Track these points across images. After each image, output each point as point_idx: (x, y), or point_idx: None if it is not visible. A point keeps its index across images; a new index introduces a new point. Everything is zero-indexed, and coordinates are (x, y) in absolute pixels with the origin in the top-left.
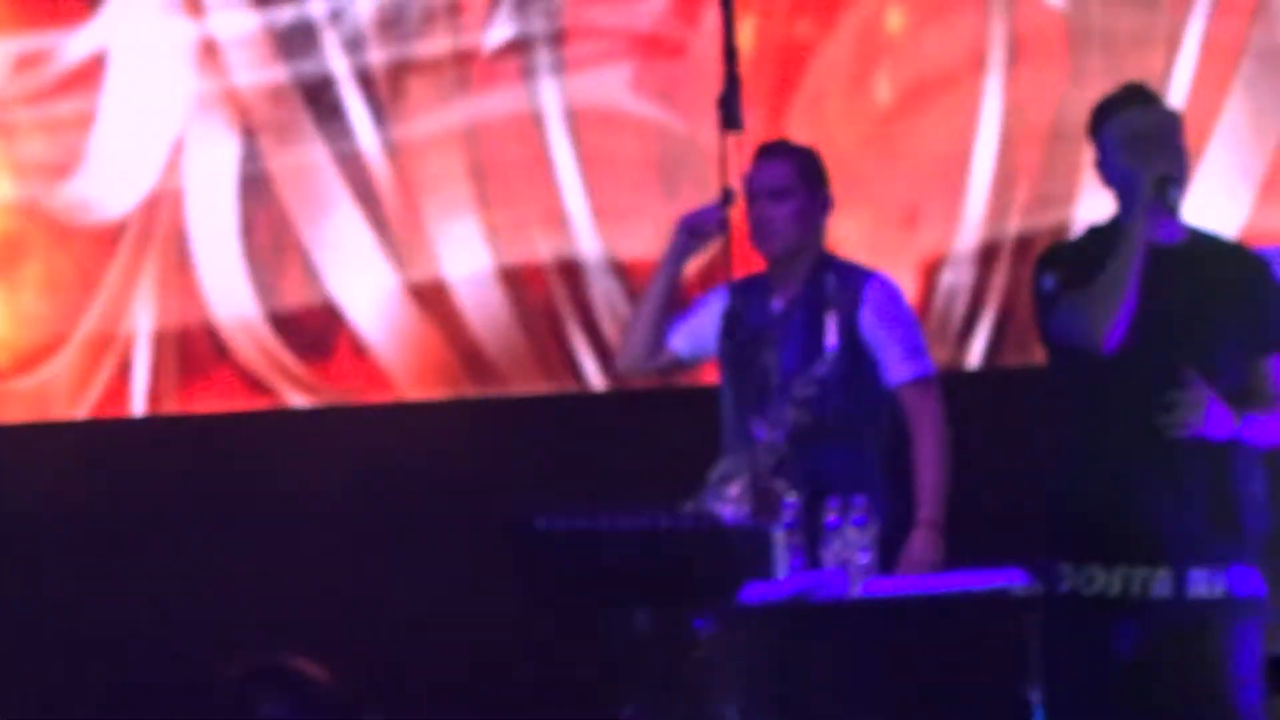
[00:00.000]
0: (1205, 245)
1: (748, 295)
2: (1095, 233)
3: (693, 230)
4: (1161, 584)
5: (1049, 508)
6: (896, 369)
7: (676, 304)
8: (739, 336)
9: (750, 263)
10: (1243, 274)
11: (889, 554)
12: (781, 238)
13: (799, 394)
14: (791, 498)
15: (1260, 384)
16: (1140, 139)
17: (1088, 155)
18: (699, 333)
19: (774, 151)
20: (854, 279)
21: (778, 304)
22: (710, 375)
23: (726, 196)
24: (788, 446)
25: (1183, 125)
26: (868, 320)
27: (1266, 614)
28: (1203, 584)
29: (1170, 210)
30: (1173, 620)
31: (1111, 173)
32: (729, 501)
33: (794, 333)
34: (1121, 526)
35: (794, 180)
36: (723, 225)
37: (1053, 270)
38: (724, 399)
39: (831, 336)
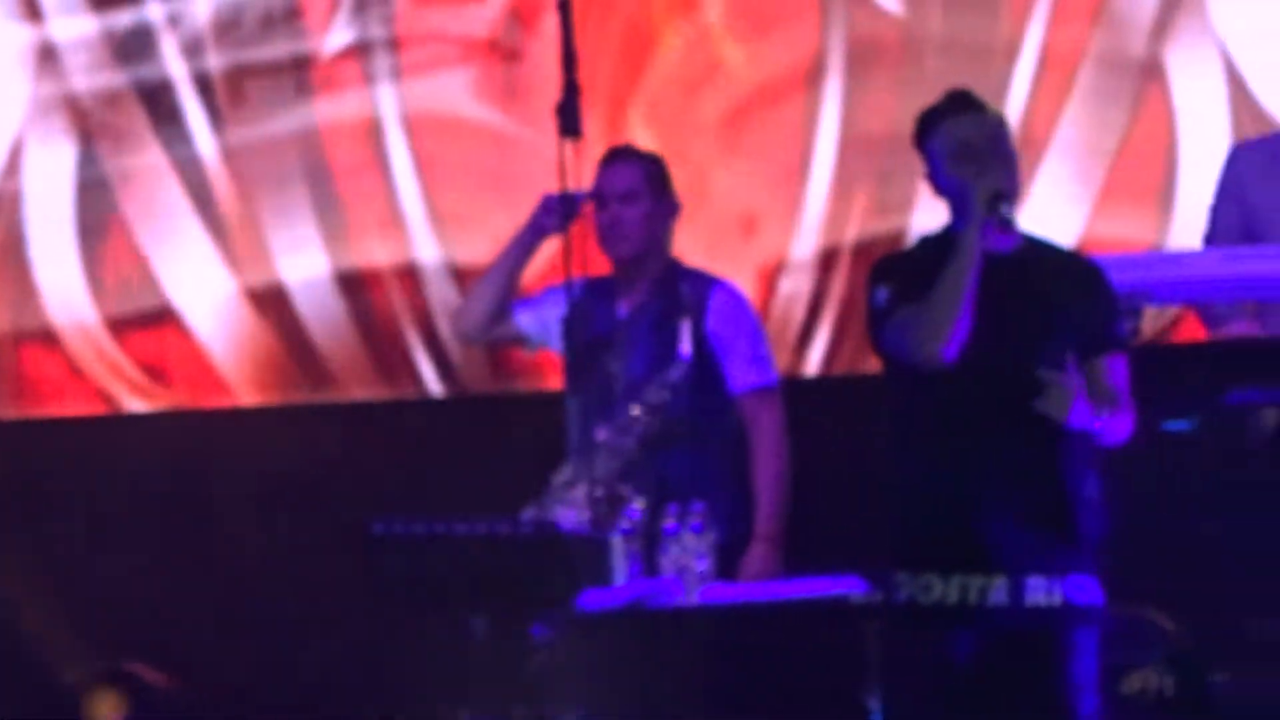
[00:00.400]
0: (1039, 253)
1: (591, 299)
2: (927, 243)
3: (554, 210)
4: (998, 592)
5: (886, 516)
6: (740, 377)
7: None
8: (582, 340)
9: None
10: (1076, 281)
11: (735, 561)
12: (632, 241)
13: (651, 399)
14: (637, 503)
15: (1100, 383)
16: (966, 149)
17: None
18: (545, 320)
19: (622, 156)
20: (701, 286)
21: (623, 309)
22: (552, 381)
23: (581, 195)
24: (634, 451)
25: (1010, 131)
26: (714, 327)
27: (1105, 622)
28: (1040, 592)
29: (1004, 225)
30: (1010, 628)
31: (941, 183)
32: (573, 506)
33: (641, 338)
34: (957, 535)
35: (642, 184)
36: (571, 219)
37: (885, 283)
38: (567, 403)
39: (685, 343)
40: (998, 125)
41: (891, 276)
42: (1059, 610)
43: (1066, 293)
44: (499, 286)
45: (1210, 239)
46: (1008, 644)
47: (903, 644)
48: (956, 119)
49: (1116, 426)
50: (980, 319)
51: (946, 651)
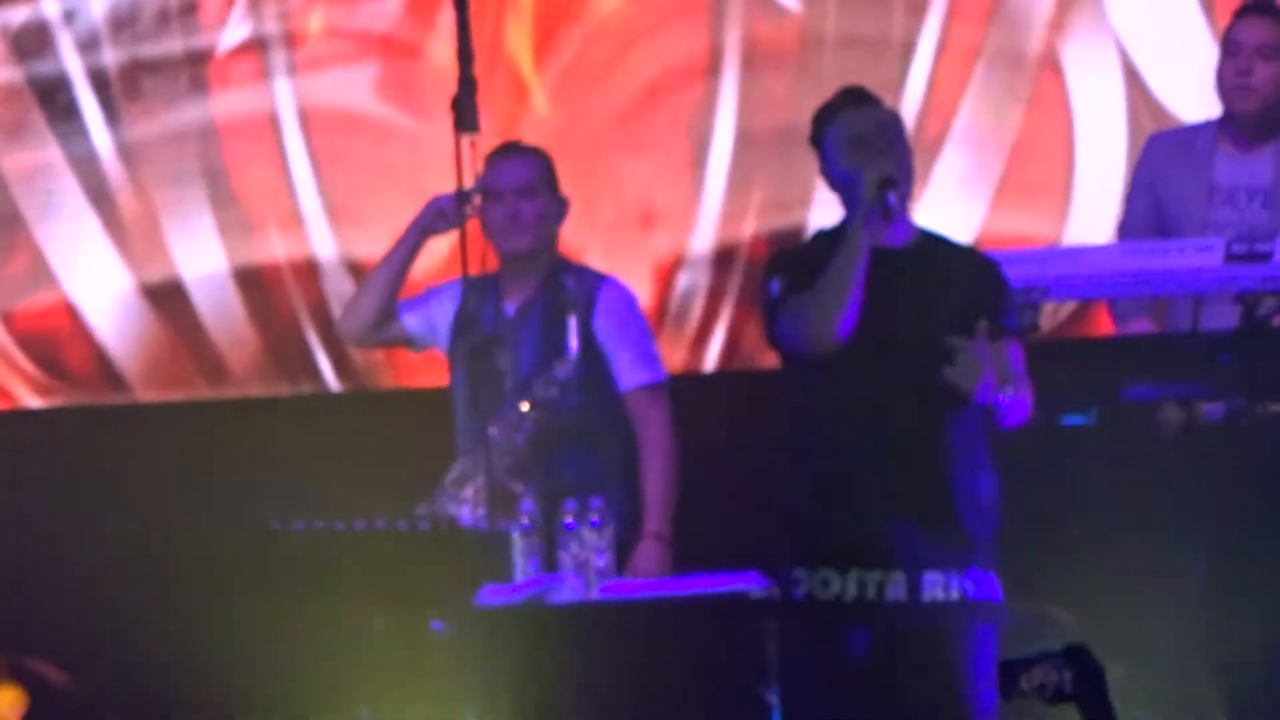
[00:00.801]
0: (933, 246)
1: (477, 297)
2: (821, 238)
3: (442, 211)
4: (896, 587)
5: (783, 512)
6: (628, 374)
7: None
8: (471, 337)
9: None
10: (971, 274)
11: (625, 557)
12: (531, 233)
13: (540, 395)
14: (527, 499)
15: (1000, 366)
16: (859, 140)
17: None
18: (431, 319)
19: (518, 150)
20: (589, 282)
21: (510, 306)
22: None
23: (473, 190)
24: (526, 448)
25: (903, 126)
26: (602, 324)
27: (1002, 617)
28: (938, 587)
29: (892, 211)
30: (908, 623)
31: (834, 176)
32: (464, 503)
33: (529, 335)
34: (854, 531)
35: (539, 179)
36: (462, 218)
37: (779, 275)
38: (456, 401)
39: (573, 340)
40: (891, 119)
41: (785, 269)
42: (956, 605)
43: (961, 286)
44: (384, 289)
45: (1124, 228)
46: (905, 639)
47: (801, 640)
48: (850, 113)
49: (1017, 406)
50: (874, 312)
51: (844, 647)
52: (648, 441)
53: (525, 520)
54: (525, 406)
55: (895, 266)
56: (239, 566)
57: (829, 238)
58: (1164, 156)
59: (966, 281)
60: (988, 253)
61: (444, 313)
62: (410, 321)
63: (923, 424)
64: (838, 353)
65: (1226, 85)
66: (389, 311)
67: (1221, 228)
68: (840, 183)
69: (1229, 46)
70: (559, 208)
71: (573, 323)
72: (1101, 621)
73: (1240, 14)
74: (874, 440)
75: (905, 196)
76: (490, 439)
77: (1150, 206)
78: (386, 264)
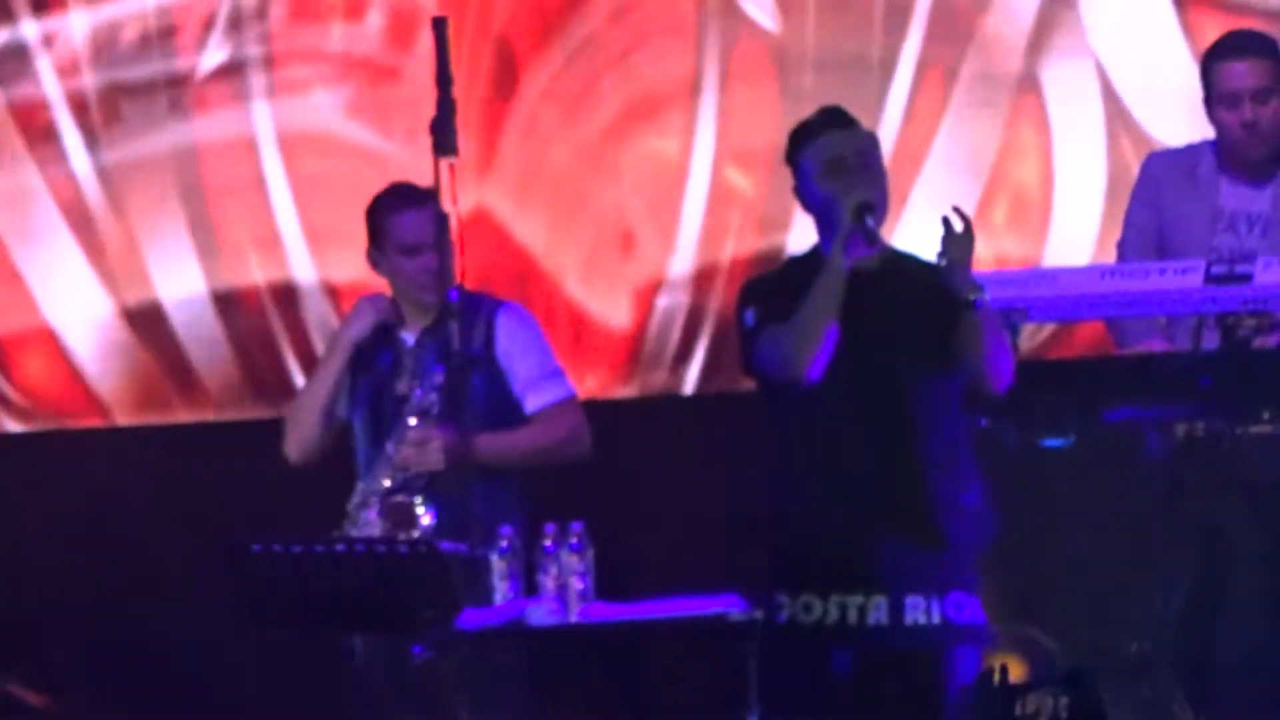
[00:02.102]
0: (903, 265)
1: (376, 329)
2: (795, 264)
3: (377, 309)
4: (878, 611)
5: (764, 536)
6: (534, 395)
7: None
8: (373, 369)
9: None
10: (941, 292)
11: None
12: (447, 284)
13: (421, 402)
14: (426, 516)
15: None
16: (837, 164)
17: None
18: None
19: (424, 200)
20: (486, 309)
21: (409, 336)
22: None
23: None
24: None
25: (879, 149)
26: (503, 348)
27: (985, 640)
28: (919, 610)
29: (869, 237)
30: (890, 647)
31: (810, 198)
32: (369, 526)
33: (429, 362)
34: (835, 554)
35: (445, 227)
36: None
37: (753, 304)
38: (358, 436)
39: (474, 373)
40: (868, 142)
41: (759, 297)
42: (939, 629)
43: (931, 305)
44: (323, 408)
45: (1124, 245)
46: (888, 663)
47: (784, 665)
48: (828, 135)
49: (1001, 342)
50: (847, 334)
51: (827, 671)
52: (545, 424)
53: (504, 543)
54: (413, 420)
55: (868, 286)
56: (218, 589)
57: (802, 263)
58: (1166, 177)
59: (938, 300)
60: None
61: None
62: (340, 405)
63: (903, 442)
64: (813, 381)
65: (1233, 136)
66: (332, 420)
67: (1224, 253)
68: (815, 205)
69: (1225, 99)
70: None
71: (453, 331)
72: (1082, 643)
73: (1222, 58)
74: (854, 461)
75: (880, 221)
76: (386, 456)
77: (1153, 225)
78: (320, 381)
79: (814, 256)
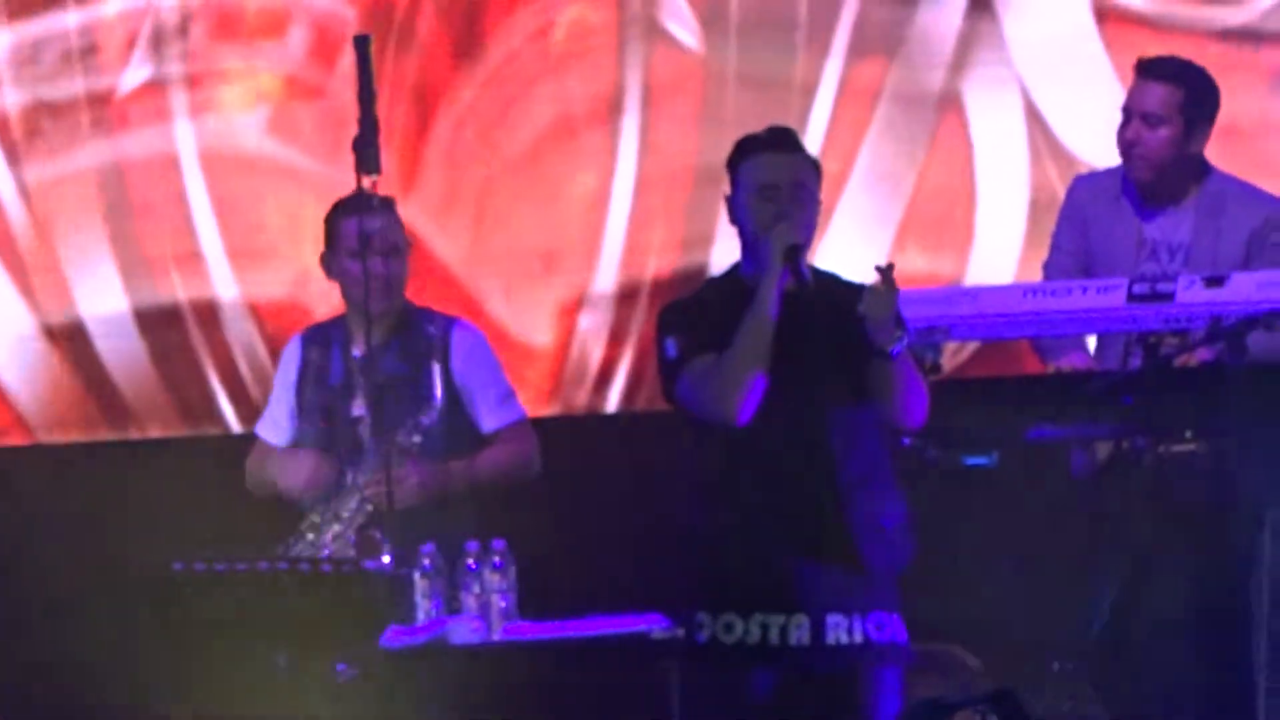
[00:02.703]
0: (827, 288)
1: (325, 345)
2: (713, 285)
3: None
4: (800, 631)
5: (685, 555)
6: (490, 416)
7: None
8: (323, 387)
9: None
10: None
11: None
12: (399, 292)
13: (404, 443)
14: (387, 547)
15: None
16: (770, 191)
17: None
18: (292, 409)
19: (381, 205)
20: (440, 326)
21: (358, 351)
22: None
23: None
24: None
25: (818, 174)
26: (459, 367)
27: (907, 659)
28: (841, 630)
29: (798, 277)
30: (812, 667)
31: (739, 216)
32: (323, 549)
33: (384, 379)
34: (757, 575)
35: (403, 237)
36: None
37: (674, 333)
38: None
39: (437, 387)
40: (806, 171)
41: (680, 326)
42: (860, 648)
43: (853, 329)
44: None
45: (1050, 265)
46: (809, 683)
47: (705, 685)
48: (767, 157)
49: (916, 385)
50: (774, 356)
51: (748, 692)
52: (504, 448)
53: (427, 562)
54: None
55: (791, 309)
56: (141, 607)
57: (721, 285)
58: (1092, 200)
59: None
60: None
61: (287, 372)
62: (282, 439)
63: (824, 463)
64: (744, 423)
65: (1122, 152)
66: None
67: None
68: (742, 225)
69: (1123, 112)
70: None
71: (434, 369)
72: (1004, 661)
73: (1137, 75)
74: (775, 482)
75: (806, 249)
76: (349, 485)
77: (1080, 248)
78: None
79: (733, 278)
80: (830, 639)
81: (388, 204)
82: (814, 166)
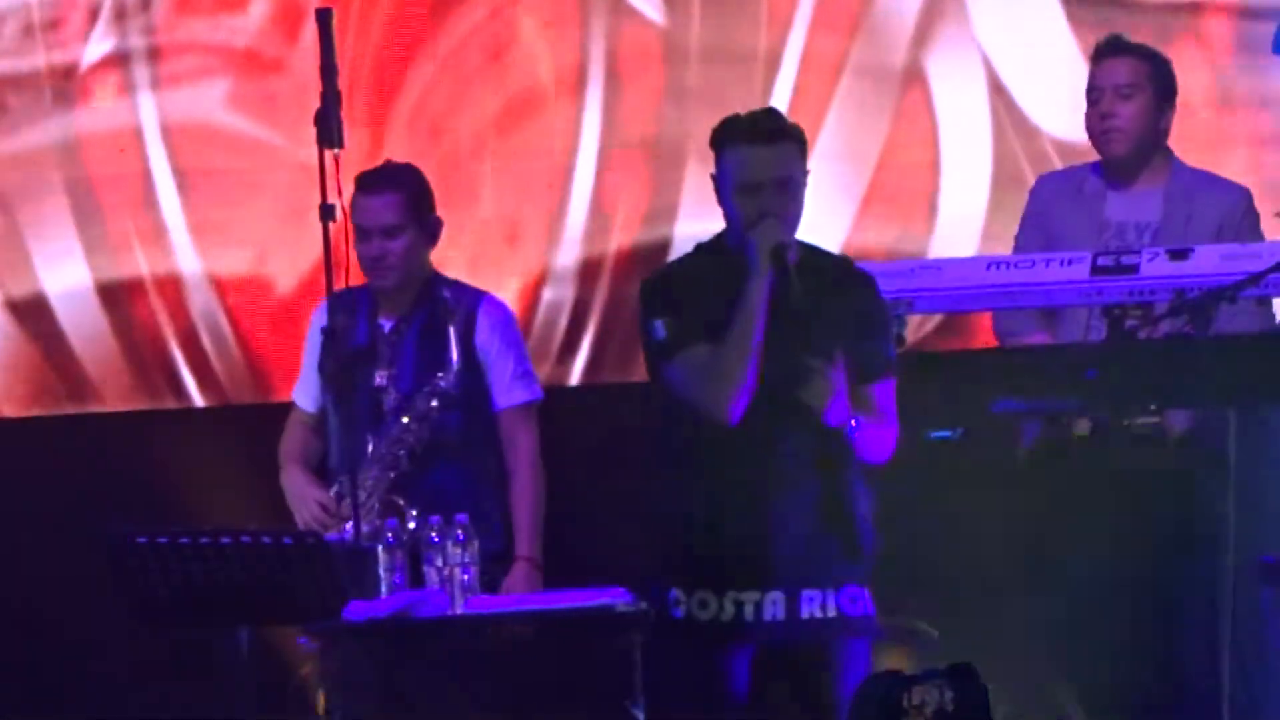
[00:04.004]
0: (813, 264)
1: (351, 312)
2: (700, 258)
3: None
4: (774, 606)
5: (655, 533)
6: (505, 393)
7: None
8: (344, 354)
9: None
10: (851, 296)
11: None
12: (397, 273)
13: (421, 408)
14: (411, 514)
15: (869, 404)
16: (754, 188)
17: (689, 172)
18: (309, 364)
19: (381, 183)
20: (468, 297)
21: (386, 322)
22: None
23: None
24: (406, 463)
25: (803, 159)
26: (483, 340)
27: (875, 632)
28: (816, 604)
29: (787, 272)
30: (786, 642)
31: (725, 204)
32: (348, 518)
33: (407, 350)
34: (731, 551)
35: (406, 215)
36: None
37: (661, 313)
38: (330, 420)
39: (454, 352)
40: (791, 162)
41: (667, 305)
42: (835, 622)
43: (841, 308)
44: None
45: None
46: (784, 658)
47: (680, 663)
48: (750, 151)
49: (878, 439)
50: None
51: (725, 670)
52: (518, 464)
53: (389, 535)
54: (406, 419)
55: (777, 288)
56: (102, 582)
57: (708, 259)
58: (1054, 196)
59: (848, 304)
60: (860, 265)
61: (314, 338)
62: (307, 402)
63: (801, 443)
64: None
65: (1095, 132)
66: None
67: None
68: (728, 212)
69: (1091, 94)
70: (431, 233)
71: (453, 336)
72: (966, 637)
73: (1095, 58)
74: (758, 460)
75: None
76: (370, 454)
77: (1041, 244)
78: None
79: (719, 249)
80: (805, 613)
81: (397, 180)
82: (799, 149)
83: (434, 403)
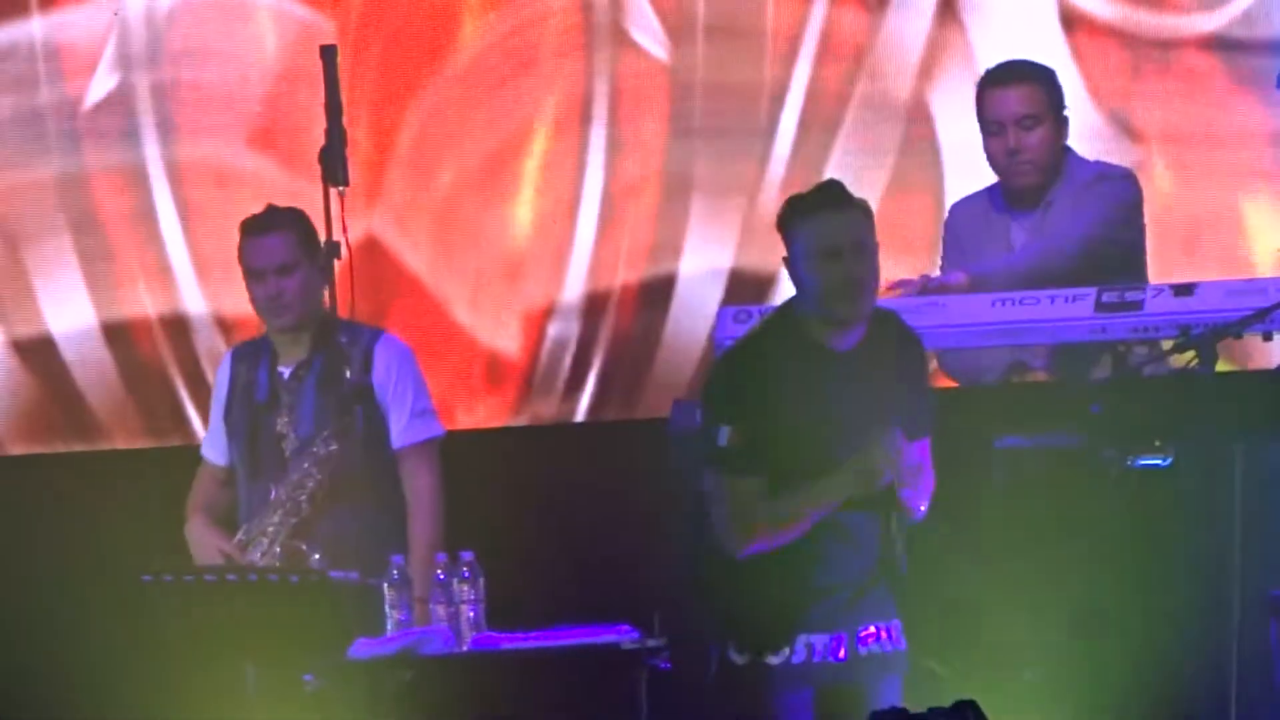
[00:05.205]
0: (881, 329)
1: (253, 363)
2: (769, 337)
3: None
4: (835, 646)
5: (716, 589)
6: (404, 431)
7: None
8: (249, 404)
9: None
10: (907, 359)
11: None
12: (294, 310)
13: (320, 452)
14: (315, 558)
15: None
16: (833, 255)
17: (694, 206)
18: (216, 416)
19: (271, 224)
20: (364, 337)
21: (285, 369)
22: None
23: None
24: (309, 507)
25: (872, 221)
26: (380, 378)
27: (905, 667)
28: (873, 641)
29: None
30: (842, 681)
31: (800, 277)
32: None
33: (307, 395)
34: (799, 599)
35: (297, 252)
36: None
37: (727, 421)
38: (239, 469)
39: (350, 391)
40: (863, 224)
41: (734, 409)
42: (882, 657)
43: (899, 373)
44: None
45: None
46: (839, 696)
47: (742, 711)
48: (824, 216)
49: (924, 494)
50: (817, 409)
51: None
52: (418, 503)
53: (395, 572)
54: (306, 464)
55: (841, 370)
56: (110, 619)
57: (773, 341)
58: (964, 223)
59: (902, 369)
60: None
61: (219, 390)
62: (215, 454)
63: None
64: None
65: (1000, 165)
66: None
67: None
68: (804, 283)
69: (989, 126)
70: (321, 271)
71: (348, 375)
72: (969, 672)
73: (988, 85)
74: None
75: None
76: (272, 500)
77: (959, 267)
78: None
79: (788, 322)
80: (863, 651)
81: (285, 220)
82: (868, 218)
83: (332, 446)
